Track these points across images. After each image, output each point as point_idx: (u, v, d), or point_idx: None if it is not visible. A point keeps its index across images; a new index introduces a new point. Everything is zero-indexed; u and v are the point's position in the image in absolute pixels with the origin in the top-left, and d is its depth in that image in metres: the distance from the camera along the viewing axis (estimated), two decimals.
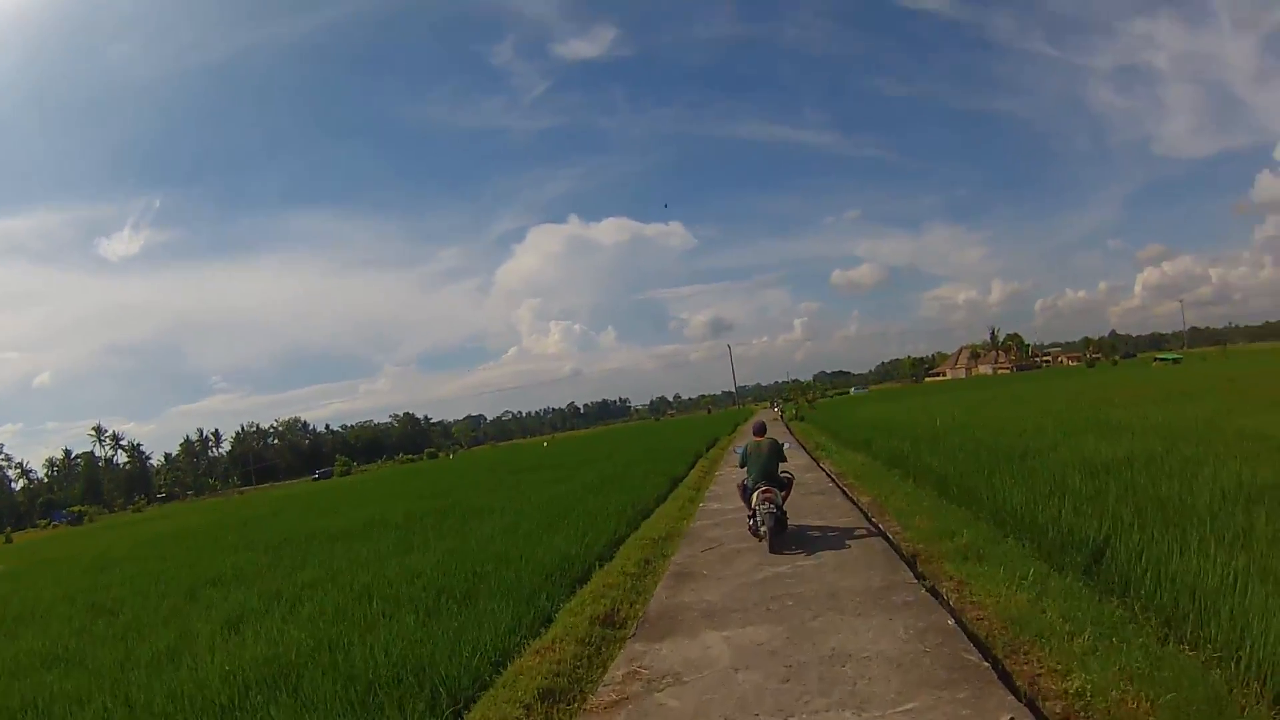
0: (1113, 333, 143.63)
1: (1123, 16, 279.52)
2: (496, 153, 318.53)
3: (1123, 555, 6.12)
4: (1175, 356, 67.47)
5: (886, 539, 9.45)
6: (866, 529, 10.14)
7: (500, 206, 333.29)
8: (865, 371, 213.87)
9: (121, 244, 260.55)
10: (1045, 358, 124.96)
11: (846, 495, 13.71)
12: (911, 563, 8.14)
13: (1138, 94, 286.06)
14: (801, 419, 45.28)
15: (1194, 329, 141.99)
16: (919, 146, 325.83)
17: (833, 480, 16.39)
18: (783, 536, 9.52)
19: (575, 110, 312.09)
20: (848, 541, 9.43)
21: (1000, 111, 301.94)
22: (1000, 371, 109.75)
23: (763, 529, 9.47)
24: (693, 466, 23.49)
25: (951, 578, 7.31)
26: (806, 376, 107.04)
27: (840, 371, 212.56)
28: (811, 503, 13.12)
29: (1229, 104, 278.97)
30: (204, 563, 15.51)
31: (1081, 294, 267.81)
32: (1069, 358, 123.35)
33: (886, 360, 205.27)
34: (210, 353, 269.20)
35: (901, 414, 31.80)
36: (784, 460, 10.56)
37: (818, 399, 51.89)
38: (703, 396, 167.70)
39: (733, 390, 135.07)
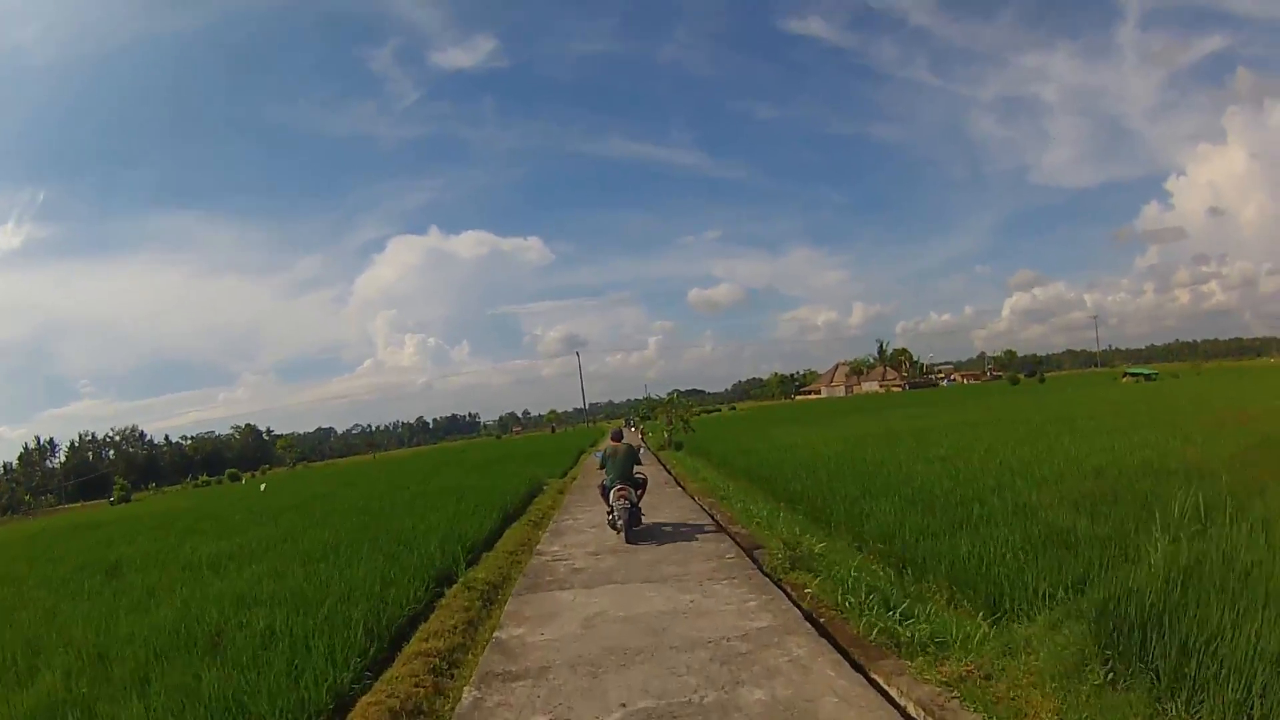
0: (982, 354, 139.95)
1: (1015, 49, 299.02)
2: (363, 160, 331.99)
3: None
4: (1149, 372, 60.19)
5: None
6: None
7: (362, 215, 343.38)
8: (721, 390, 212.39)
9: (4, 237, 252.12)
10: (940, 375, 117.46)
11: None
12: None
13: (1020, 124, 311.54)
14: (679, 447, 30.56)
15: (1069, 351, 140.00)
16: (784, 169, 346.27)
17: None
18: (637, 529, 11.27)
19: (444, 120, 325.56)
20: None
21: (874, 137, 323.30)
22: (892, 390, 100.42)
23: (619, 522, 11.16)
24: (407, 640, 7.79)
25: None
26: (660, 394, 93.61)
27: (694, 389, 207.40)
28: None
29: (1119, 136, 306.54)
30: None
31: (946, 317, 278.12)
32: (964, 375, 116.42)
33: (743, 379, 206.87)
34: (78, 355, 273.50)
35: (882, 449, 17.80)
36: (639, 464, 12.52)
37: (691, 418, 37.11)
38: (550, 412, 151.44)
39: (583, 407, 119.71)
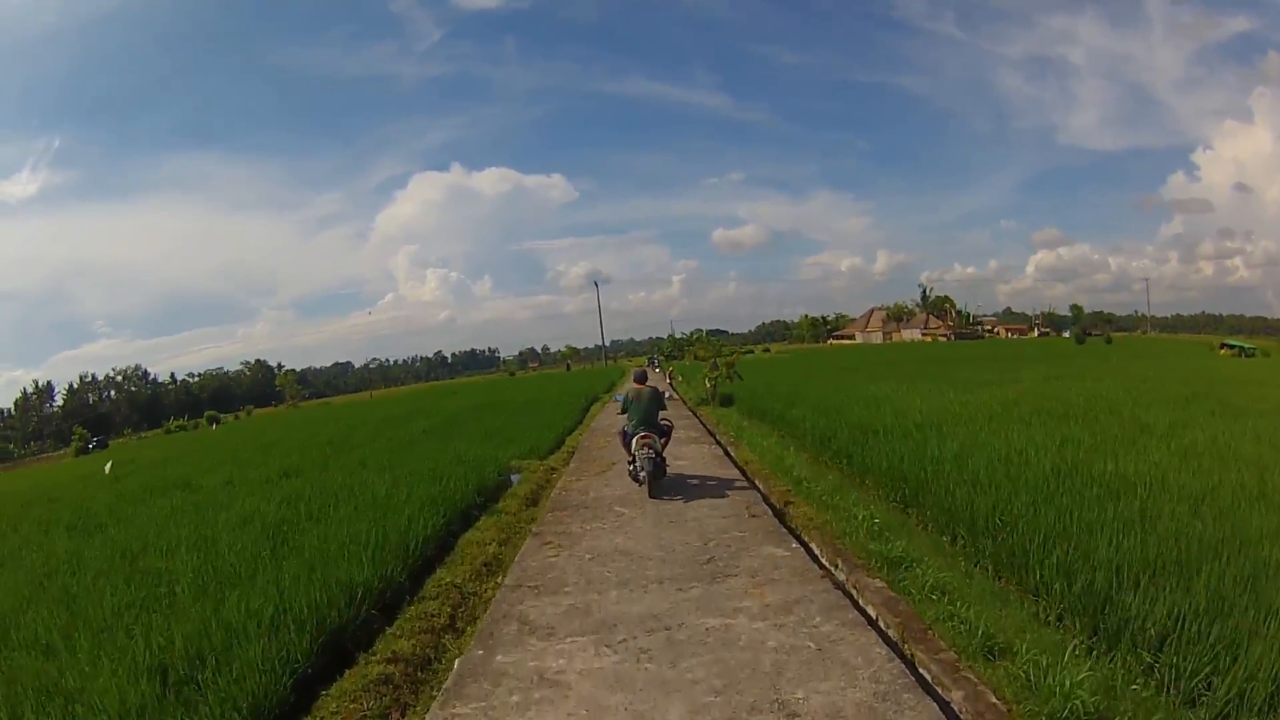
0: (1008, 309, 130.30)
1: (1043, 9, 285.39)
2: (383, 99, 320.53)
3: None
4: (1247, 345, 51.01)
5: None
6: None
7: (384, 153, 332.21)
8: (745, 331, 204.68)
9: (20, 185, 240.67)
10: (987, 328, 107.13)
11: None
12: None
13: (1048, 84, 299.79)
14: (726, 402, 21.69)
15: (1098, 313, 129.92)
16: (810, 114, 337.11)
17: None
18: (661, 482, 10.09)
19: (466, 59, 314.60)
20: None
21: (899, 87, 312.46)
22: (939, 339, 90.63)
23: (642, 474, 9.90)
24: None
25: None
26: (684, 332, 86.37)
27: (717, 329, 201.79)
28: None
29: (1147, 105, 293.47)
30: None
31: (970, 270, 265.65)
32: (1006, 329, 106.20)
33: (768, 321, 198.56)
34: (95, 297, 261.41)
35: None
36: (664, 409, 11.14)
37: (736, 360, 28.11)
38: (566, 348, 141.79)
39: (603, 344, 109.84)
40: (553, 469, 12.75)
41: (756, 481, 10.43)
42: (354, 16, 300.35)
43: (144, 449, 40.74)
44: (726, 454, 13.14)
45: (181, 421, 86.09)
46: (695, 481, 10.42)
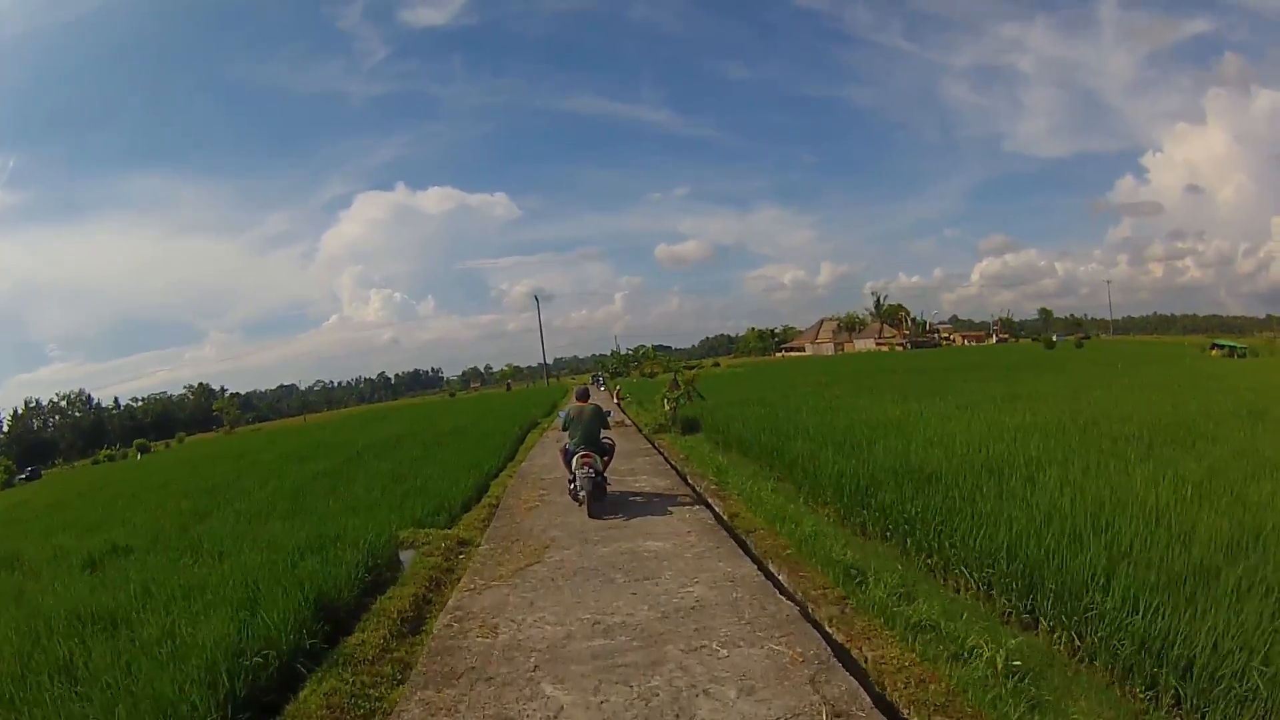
0: (954, 317, 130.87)
1: (993, 19, 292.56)
2: (331, 117, 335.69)
3: None
4: (1237, 345, 48.94)
5: None
6: None
7: (330, 172, 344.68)
8: (689, 346, 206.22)
9: None
10: (943, 335, 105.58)
11: None
12: None
13: (996, 93, 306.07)
14: (690, 429, 18.38)
15: (1064, 317, 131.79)
16: (755, 129, 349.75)
17: None
18: (602, 501, 9.84)
19: (413, 77, 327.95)
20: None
21: (845, 99, 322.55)
22: (895, 348, 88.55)
23: (581, 494, 9.73)
24: None
25: None
26: (628, 348, 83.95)
27: (661, 345, 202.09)
28: None
29: (1096, 110, 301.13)
30: None
31: (915, 279, 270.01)
32: (963, 336, 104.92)
33: (710, 335, 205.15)
34: (48, 320, 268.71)
35: None
36: (607, 427, 10.82)
37: (697, 377, 24.77)
38: (507, 367, 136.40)
39: (545, 362, 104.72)
40: (462, 544, 8.72)
41: (780, 575, 6.61)
42: (303, 33, 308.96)
43: (52, 487, 37.78)
44: (712, 510, 9.36)
45: (111, 451, 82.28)
46: (690, 592, 6.22)
